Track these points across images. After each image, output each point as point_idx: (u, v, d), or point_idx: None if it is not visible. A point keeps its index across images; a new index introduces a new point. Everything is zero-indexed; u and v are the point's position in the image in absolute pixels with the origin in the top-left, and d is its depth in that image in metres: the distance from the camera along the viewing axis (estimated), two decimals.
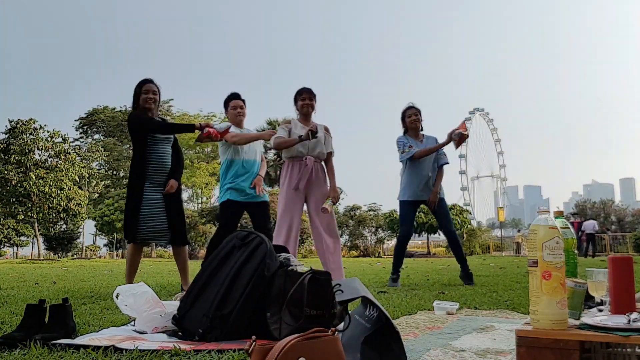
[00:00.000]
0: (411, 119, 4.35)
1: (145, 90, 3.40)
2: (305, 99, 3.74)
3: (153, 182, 3.33)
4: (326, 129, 3.78)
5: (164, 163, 3.38)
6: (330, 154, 3.78)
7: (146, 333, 1.80)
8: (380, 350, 1.39)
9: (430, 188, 4.27)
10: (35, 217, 30.03)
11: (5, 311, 2.43)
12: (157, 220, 3.30)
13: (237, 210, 3.72)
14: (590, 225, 17.60)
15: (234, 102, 3.84)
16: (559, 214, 1.56)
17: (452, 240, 4.38)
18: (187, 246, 3.57)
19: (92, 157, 35.87)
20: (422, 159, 4.25)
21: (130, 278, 3.35)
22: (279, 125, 4.11)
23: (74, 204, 30.32)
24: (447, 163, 4.44)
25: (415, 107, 4.41)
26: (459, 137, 4.12)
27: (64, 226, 34.55)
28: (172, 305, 1.91)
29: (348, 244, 32.21)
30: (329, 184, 3.72)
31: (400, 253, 4.40)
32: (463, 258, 4.33)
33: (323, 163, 3.76)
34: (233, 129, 3.69)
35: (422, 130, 4.41)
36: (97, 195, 34.90)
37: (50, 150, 30.36)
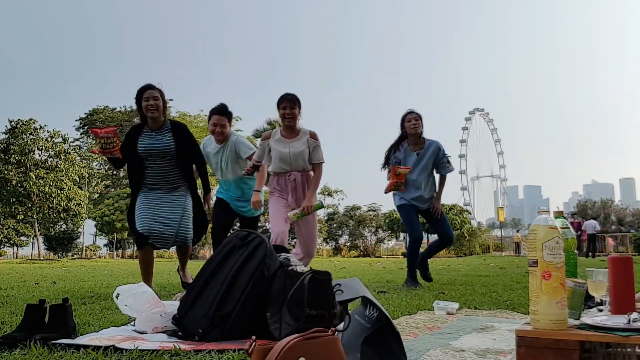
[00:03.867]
0: (410, 123, 4.02)
1: (145, 98, 3.20)
2: (285, 107, 3.37)
3: (149, 188, 3.28)
4: (312, 136, 3.44)
5: (162, 178, 3.29)
6: (318, 165, 3.46)
7: (146, 333, 1.80)
8: (380, 350, 1.39)
9: (424, 197, 4.04)
10: (35, 217, 30.03)
11: (5, 311, 2.43)
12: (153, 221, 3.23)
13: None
14: (591, 225, 17.57)
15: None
16: (558, 214, 1.56)
17: (443, 242, 4.14)
18: (187, 245, 3.44)
19: (92, 157, 35.88)
20: (420, 174, 3.99)
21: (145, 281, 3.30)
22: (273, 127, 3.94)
23: (74, 204, 30.32)
24: (451, 171, 4.15)
25: (416, 112, 4.09)
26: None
27: (64, 226, 34.57)
28: (172, 305, 1.91)
29: (348, 244, 32.20)
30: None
31: (413, 256, 4.14)
32: (426, 260, 4.14)
33: (311, 173, 3.48)
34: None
35: (421, 135, 4.08)
36: (97, 195, 34.91)
37: (50, 150, 30.36)
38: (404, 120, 4.09)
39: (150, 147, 3.21)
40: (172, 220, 3.24)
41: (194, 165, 3.47)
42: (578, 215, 23.52)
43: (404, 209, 4.08)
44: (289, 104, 3.37)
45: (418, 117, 4.05)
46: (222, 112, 3.63)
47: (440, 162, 4.09)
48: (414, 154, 4.03)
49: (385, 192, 4.06)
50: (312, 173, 3.46)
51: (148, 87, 3.24)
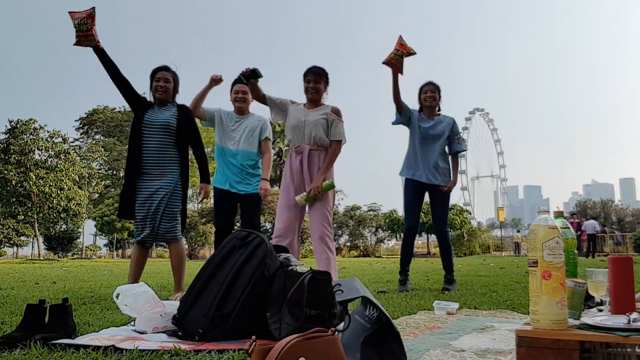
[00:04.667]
0: (427, 95, 3.77)
1: (157, 78, 3.21)
2: (310, 81, 3.17)
3: (146, 174, 3.12)
4: (336, 112, 3.18)
5: (161, 154, 3.13)
6: (337, 142, 3.16)
7: (146, 333, 1.80)
8: (380, 350, 1.39)
9: (438, 174, 3.73)
10: (35, 217, 30.05)
11: (5, 311, 2.43)
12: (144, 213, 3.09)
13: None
14: (590, 226, 17.52)
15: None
16: (558, 214, 1.56)
17: (441, 240, 3.88)
18: (178, 243, 3.19)
19: (92, 157, 35.93)
20: (429, 142, 3.71)
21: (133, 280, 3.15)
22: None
23: (74, 204, 30.36)
24: (464, 150, 3.93)
25: (433, 83, 3.82)
26: (392, 62, 3.45)
27: (64, 226, 34.60)
28: (172, 305, 1.91)
29: (348, 244, 32.22)
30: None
31: (406, 250, 3.83)
32: (450, 264, 3.77)
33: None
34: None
35: (439, 111, 3.86)
36: (97, 195, 34.94)
37: (50, 150, 30.39)
38: (420, 91, 3.84)
39: (152, 118, 3.17)
40: (157, 212, 3.09)
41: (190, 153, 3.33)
42: (578, 215, 23.50)
43: (409, 186, 3.77)
44: (313, 77, 3.16)
45: (435, 89, 3.81)
46: (243, 81, 3.50)
47: (455, 137, 3.83)
48: (427, 119, 3.79)
49: (383, 62, 3.50)
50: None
51: (162, 69, 3.25)
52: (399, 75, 3.56)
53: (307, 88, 3.19)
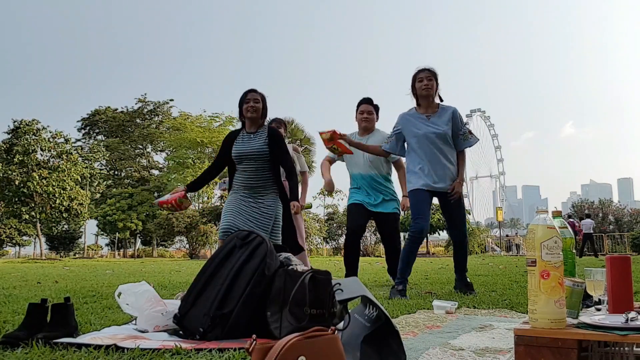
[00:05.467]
0: (422, 83, 3.27)
1: (247, 100, 3.22)
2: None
3: (239, 191, 3.20)
4: (295, 149, 4.04)
5: (248, 180, 3.17)
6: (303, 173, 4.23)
7: (147, 332, 1.81)
8: (380, 349, 1.40)
9: (447, 176, 3.29)
10: (37, 217, 30.09)
11: (7, 310, 2.45)
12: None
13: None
14: (587, 225, 17.43)
15: (362, 107, 3.88)
16: (557, 214, 1.57)
17: (459, 247, 3.44)
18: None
19: (94, 157, 35.99)
20: (430, 143, 3.26)
21: None
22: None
23: (76, 204, 30.40)
24: (471, 145, 3.39)
25: (429, 70, 3.31)
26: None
27: (66, 226, 34.65)
28: (174, 304, 1.92)
29: None
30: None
31: (411, 256, 3.25)
32: (464, 268, 3.40)
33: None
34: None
35: (442, 101, 3.38)
36: (99, 195, 34.99)
37: (52, 150, 30.44)
38: (414, 80, 3.34)
39: (244, 149, 3.19)
40: (262, 225, 3.12)
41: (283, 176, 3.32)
42: (575, 215, 23.42)
43: (415, 194, 3.30)
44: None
45: (431, 76, 3.30)
46: (369, 102, 3.93)
47: (459, 133, 3.35)
48: (422, 117, 3.29)
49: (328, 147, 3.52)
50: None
51: (251, 91, 3.30)
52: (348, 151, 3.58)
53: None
